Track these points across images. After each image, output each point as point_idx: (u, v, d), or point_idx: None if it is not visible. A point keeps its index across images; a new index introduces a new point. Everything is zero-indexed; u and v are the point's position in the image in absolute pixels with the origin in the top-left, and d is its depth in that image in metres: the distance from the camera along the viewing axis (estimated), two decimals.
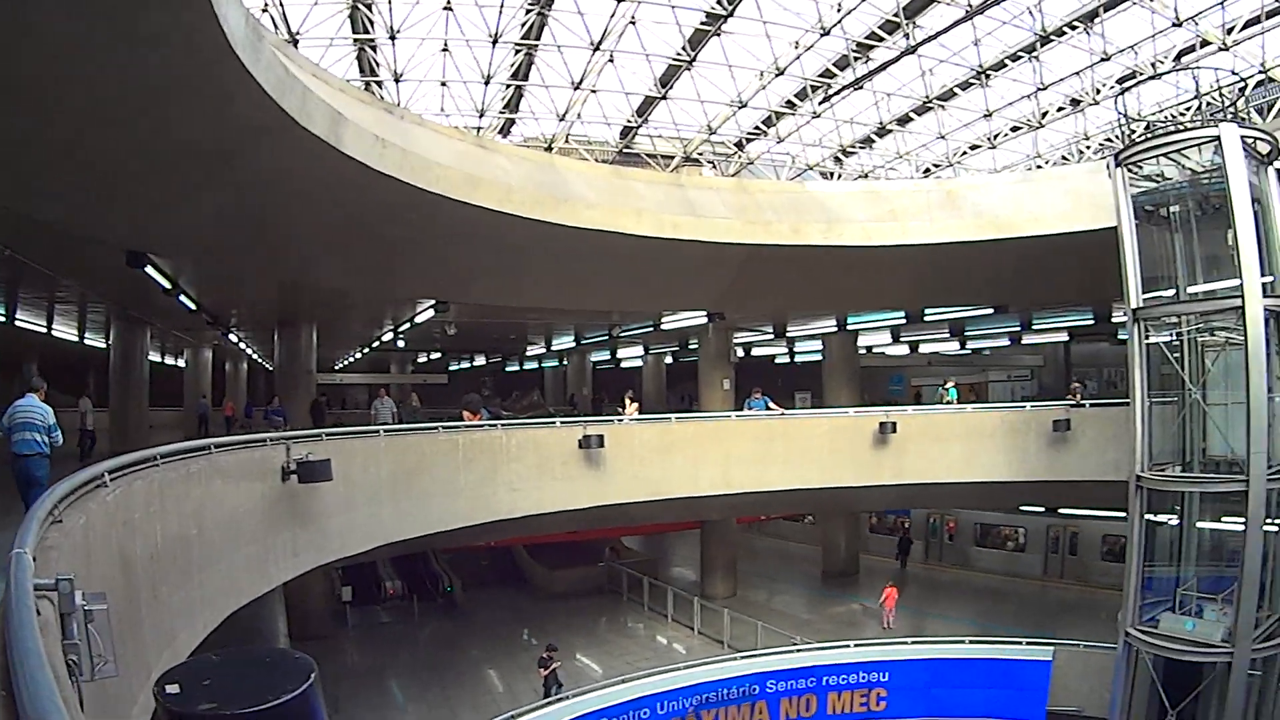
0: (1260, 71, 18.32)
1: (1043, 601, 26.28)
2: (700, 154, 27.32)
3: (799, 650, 19.97)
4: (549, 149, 23.63)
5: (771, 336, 33.04)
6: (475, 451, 15.64)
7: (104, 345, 25.98)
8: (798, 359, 38.68)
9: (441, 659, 21.92)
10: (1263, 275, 13.17)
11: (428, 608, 27.65)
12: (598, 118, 24.90)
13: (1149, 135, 14.85)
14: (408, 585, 28.86)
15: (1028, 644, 19.24)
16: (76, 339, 27.59)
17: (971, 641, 19.89)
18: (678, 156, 26.84)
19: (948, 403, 21.73)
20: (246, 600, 10.18)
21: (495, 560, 32.39)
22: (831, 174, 29.44)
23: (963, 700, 19.37)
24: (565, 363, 41.30)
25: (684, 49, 21.47)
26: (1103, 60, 20.87)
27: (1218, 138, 13.32)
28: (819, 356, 30.37)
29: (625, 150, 27.10)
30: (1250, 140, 13.49)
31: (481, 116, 23.91)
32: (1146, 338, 14.78)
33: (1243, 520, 12.93)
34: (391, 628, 25.93)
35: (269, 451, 11.08)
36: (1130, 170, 14.82)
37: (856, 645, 20.19)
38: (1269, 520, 13.10)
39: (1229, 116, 13.63)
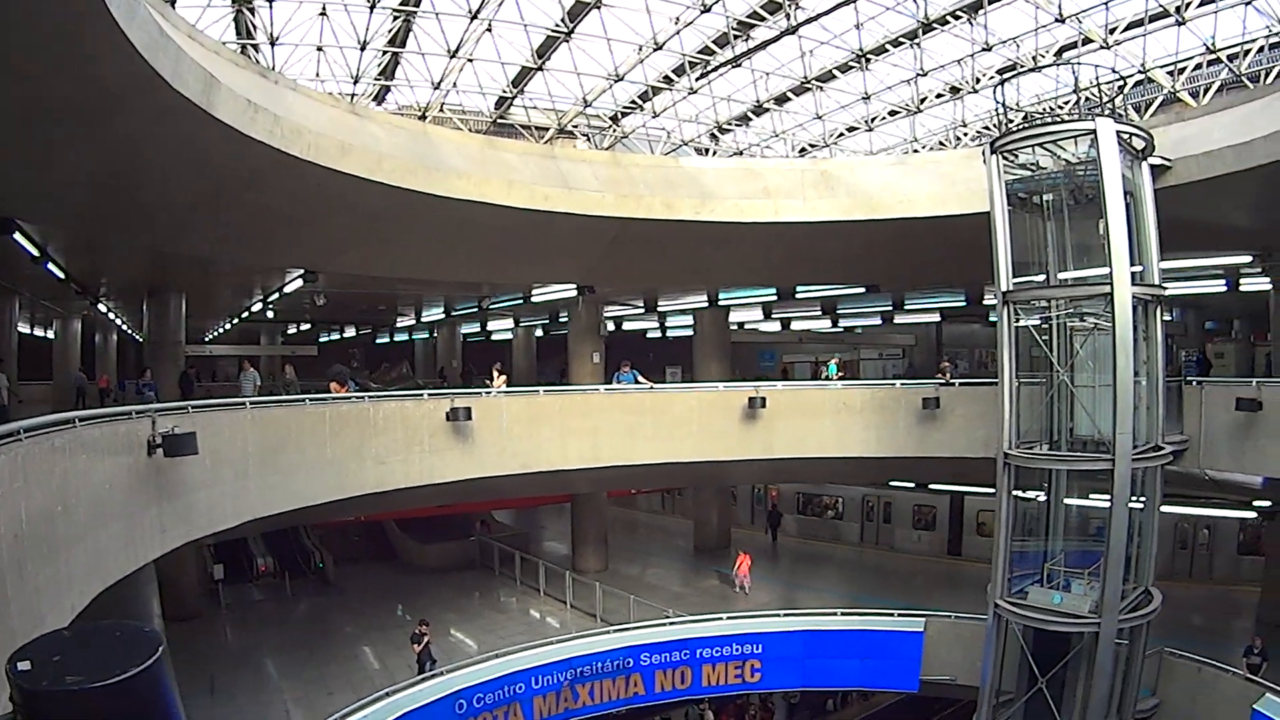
0: (1140, 71, 19.15)
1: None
2: (575, 127, 26.67)
3: (672, 623, 20.04)
4: (423, 118, 22.50)
5: (643, 311, 32.95)
6: (342, 424, 15.16)
7: None
8: (669, 334, 38.88)
9: (315, 637, 21.36)
10: (1132, 265, 13.78)
11: (300, 584, 27.07)
12: (473, 87, 23.90)
13: (1026, 125, 15.19)
14: (279, 562, 28.05)
15: (899, 615, 19.84)
16: None
17: (843, 613, 20.34)
18: (552, 128, 26.07)
19: (828, 378, 22.11)
20: (116, 579, 9.60)
21: (366, 535, 31.78)
22: (707, 150, 29.38)
23: (838, 670, 19.98)
24: (435, 335, 40.36)
25: (563, 20, 20.76)
26: (984, 50, 21.38)
27: (1094, 131, 13.72)
28: (690, 332, 30.42)
29: (500, 121, 26.11)
30: (1126, 136, 14.02)
31: (356, 83, 22.50)
32: (1016, 320, 15.26)
33: (1109, 498, 13.63)
34: (265, 605, 25.26)
35: (135, 425, 10.38)
36: (1005, 158, 15.14)
37: (729, 618, 20.42)
38: (1134, 498, 13.90)
39: (1106, 112, 14.11)
